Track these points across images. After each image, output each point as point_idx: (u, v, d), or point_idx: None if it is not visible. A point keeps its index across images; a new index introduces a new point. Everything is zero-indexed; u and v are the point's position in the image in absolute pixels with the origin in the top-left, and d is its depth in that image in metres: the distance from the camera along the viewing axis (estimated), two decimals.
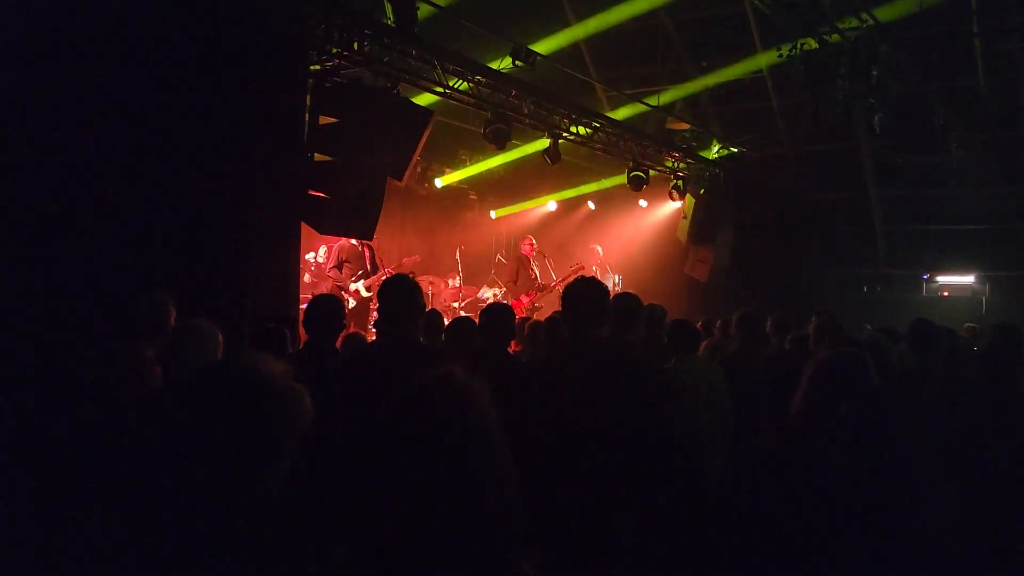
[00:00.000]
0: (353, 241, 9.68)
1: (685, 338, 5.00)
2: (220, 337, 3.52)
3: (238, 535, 1.48)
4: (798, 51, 9.09)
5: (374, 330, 9.43)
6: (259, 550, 1.52)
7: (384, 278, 9.54)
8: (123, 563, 1.46)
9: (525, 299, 11.37)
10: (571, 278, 11.47)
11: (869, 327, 7.30)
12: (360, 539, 1.53)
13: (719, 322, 6.63)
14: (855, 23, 9.19)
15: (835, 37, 9.08)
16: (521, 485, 1.62)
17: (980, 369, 4.09)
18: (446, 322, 6.05)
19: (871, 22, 9.23)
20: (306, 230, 7.24)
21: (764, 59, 13.45)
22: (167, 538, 1.43)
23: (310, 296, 8.04)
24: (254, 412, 1.52)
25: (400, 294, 3.57)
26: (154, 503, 1.47)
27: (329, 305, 4.34)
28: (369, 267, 9.77)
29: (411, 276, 3.97)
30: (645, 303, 5.38)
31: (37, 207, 5.04)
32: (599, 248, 12.39)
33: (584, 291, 3.44)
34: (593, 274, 11.34)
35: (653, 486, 3.10)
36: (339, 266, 9.66)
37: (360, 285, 9.62)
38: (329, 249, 10.28)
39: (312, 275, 10.57)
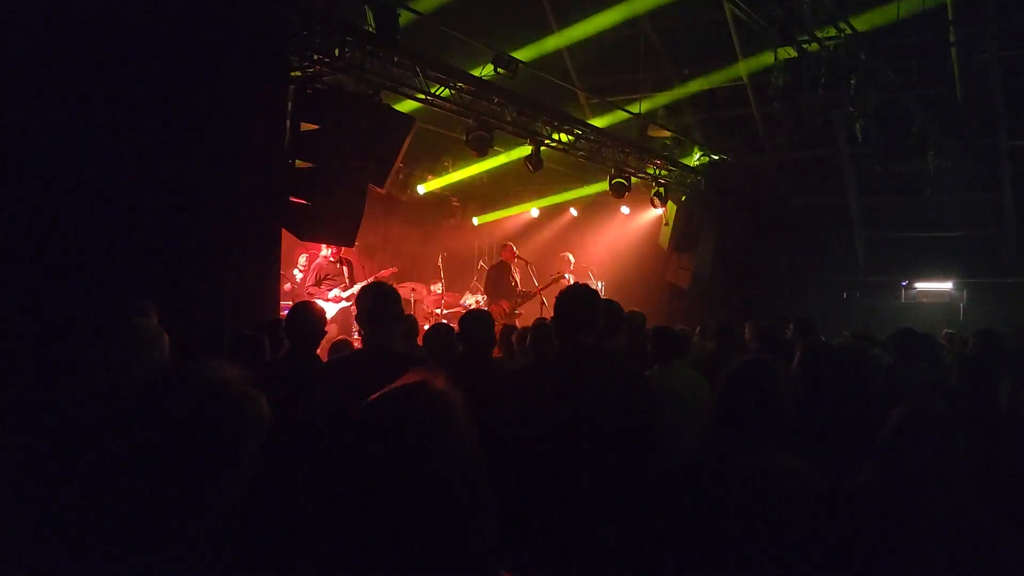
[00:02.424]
0: (331, 258, 9.65)
1: (667, 345, 5.01)
2: (165, 339, 3.44)
3: (195, 543, 1.46)
4: (778, 60, 9.18)
5: (358, 336, 9.40)
6: (219, 558, 1.50)
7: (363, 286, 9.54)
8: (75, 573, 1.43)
9: (505, 305, 11.35)
10: (552, 285, 11.53)
11: (846, 333, 7.36)
12: (329, 548, 1.52)
13: (698, 329, 6.65)
14: (833, 32, 9.28)
15: (814, 46, 9.17)
16: (502, 493, 1.62)
17: (960, 375, 4.13)
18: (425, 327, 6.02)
19: (849, 31, 9.32)
20: (287, 237, 7.21)
21: (744, 67, 13.57)
22: (122, 548, 1.41)
23: (289, 302, 8.01)
24: (208, 418, 1.49)
25: (375, 299, 3.55)
26: (107, 511, 1.44)
27: (308, 313, 4.32)
28: (348, 282, 9.74)
29: (389, 284, 3.96)
30: (626, 310, 5.41)
31: (13, 211, 4.99)
32: (571, 255, 12.30)
33: (578, 298, 3.43)
34: (567, 282, 11.34)
35: (638, 494, 3.10)
36: (318, 283, 9.62)
37: (340, 291, 9.59)
38: (310, 258, 10.25)
39: (293, 284, 10.52)
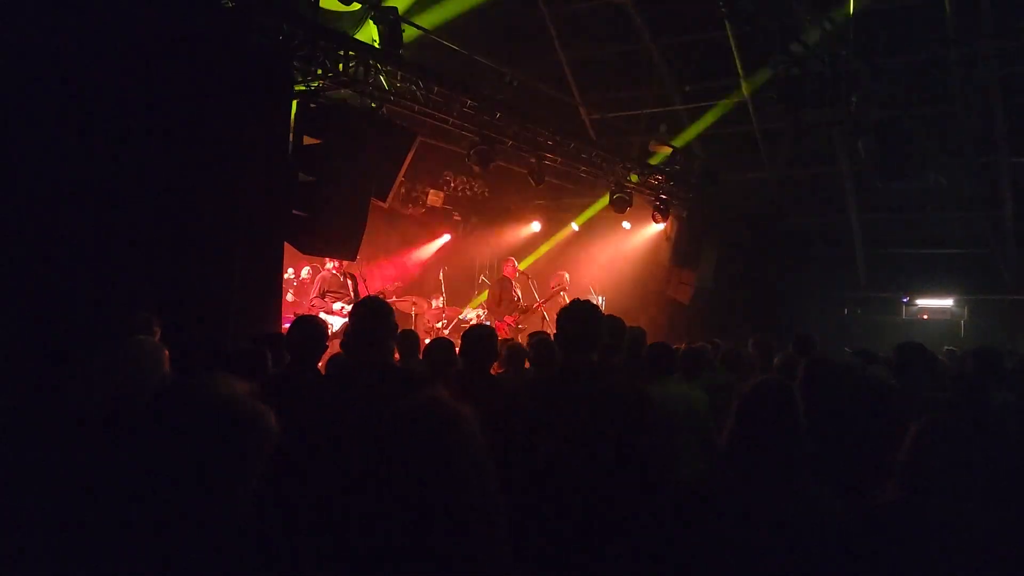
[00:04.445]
0: (334, 271, 9.68)
1: (664, 361, 5.02)
2: (165, 355, 3.46)
3: (204, 556, 1.47)
4: (779, 75, 9.23)
5: None
6: (228, 568, 1.50)
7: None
8: None
9: (508, 320, 11.37)
10: (552, 298, 11.54)
11: (848, 350, 7.36)
12: (345, 564, 1.53)
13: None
14: (835, 50, 9.33)
15: (815, 64, 9.22)
16: (509, 507, 1.62)
17: (954, 390, 4.13)
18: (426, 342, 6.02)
19: (850, 49, 9.38)
20: (289, 250, 7.23)
21: (746, 84, 13.63)
22: (133, 559, 1.42)
23: (292, 315, 8.02)
24: (215, 433, 1.50)
25: (371, 314, 3.55)
26: (117, 526, 1.45)
27: (311, 326, 4.32)
28: (353, 296, 9.77)
29: (384, 298, 3.96)
30: (627, 325, 5.41)
31: (19, 221, 5.01)
32: (566, 274, 12.30)
33: (580, 315, 3.43)
34: (561, 299, 11.36)
35: (642, 510, 3.10)
36: (321, 296, 9.65)
37: (345, 304, 9.62)
38: (313, 271, 10.27)
39: (295, 293, 10.54)
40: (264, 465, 1.55)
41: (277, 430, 1.58)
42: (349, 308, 9.57)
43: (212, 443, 1.49)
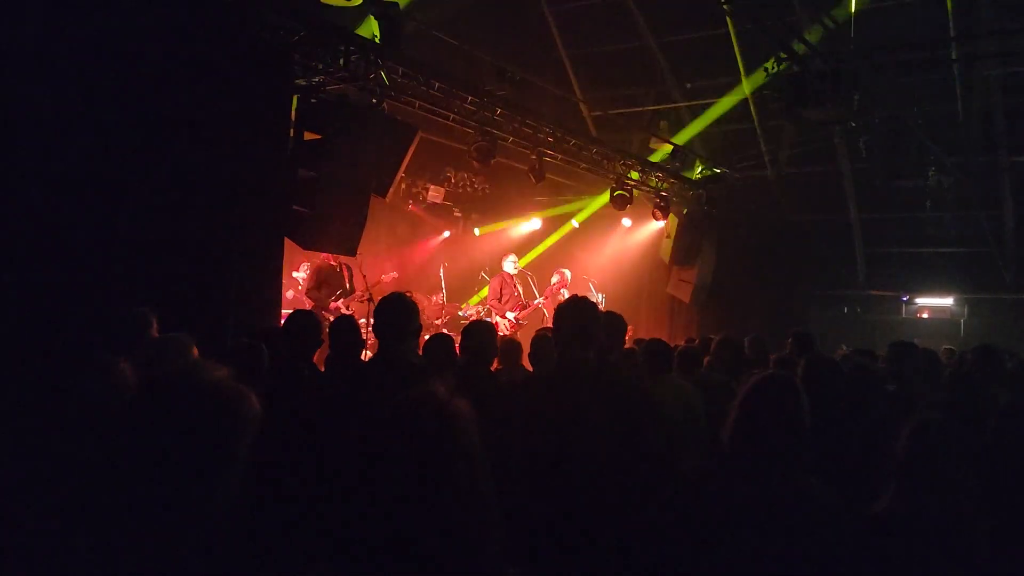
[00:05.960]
0: (331, 262, 9.68)
1: (660, 358, 5.02)
2: (195, 349, 3.52)
3: (190, 546, 1.47)
4: (780, 70, 9.20)
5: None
6: (220, 557, 1.51)
7: (366, 296, 9.58)
8: None
9: (510, 317, 11.37)
10: (553, 296, 11.54)
11: (844, 347, 7.36)
12: (336, 558, 1.53)
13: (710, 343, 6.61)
14: (836, 48, 9.32)
15: (817, 62, 9.20)
16: (504, 502, 1.63)
17: (953, 389, 4.14)
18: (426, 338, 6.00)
19: (852, 47, 9.36)
20: (289, 245, 7.23)
21: (747, 81, 13.62)
22: (124, 547, 1.42)
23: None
24: (197, 417, 1.50)
25: (397, 312, 3.58)
26: (108, 512, 1.45)
27: (306, 321, 4.33)
28: (348, 287, 9.76)
29: (408, 295, 3.97)
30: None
31: (17, 217, 5.01)
32: (567, 272, 12.29)
33: (577, 312, 3.43)
34: (562, 297, 11.36)
35: (641, 507, 3.11)
36: (317, 287, 9.64)
37: (340, 303, 9.62)
38: (309, 267, 10.28)
39: (296, 292, 10.55)
40: (248, 446, 1.54)
41: (259, 412, 1.58)
42: (343, 305, 9.58)
43: (193, 427, 1.49)
